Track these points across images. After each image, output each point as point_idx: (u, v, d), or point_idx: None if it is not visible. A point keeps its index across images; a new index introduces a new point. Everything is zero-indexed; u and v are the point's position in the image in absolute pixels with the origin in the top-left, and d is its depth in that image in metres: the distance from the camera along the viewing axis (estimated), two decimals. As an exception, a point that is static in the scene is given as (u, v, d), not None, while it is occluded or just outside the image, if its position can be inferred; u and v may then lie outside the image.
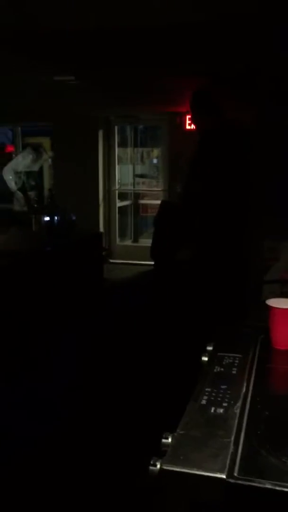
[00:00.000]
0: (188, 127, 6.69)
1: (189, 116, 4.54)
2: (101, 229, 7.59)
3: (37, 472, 2.52)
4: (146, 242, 7.62)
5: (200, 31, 3.66)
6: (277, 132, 2.98)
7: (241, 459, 0.90)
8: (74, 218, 3.94)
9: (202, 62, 4.54)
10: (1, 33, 3.73)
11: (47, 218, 3.74)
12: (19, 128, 7.99)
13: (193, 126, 3.39)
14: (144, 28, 3.59)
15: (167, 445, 0.97)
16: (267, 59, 3.65)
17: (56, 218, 3.75)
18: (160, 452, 0.96)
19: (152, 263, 6.12)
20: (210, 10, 3.19)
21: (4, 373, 3.31)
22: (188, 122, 6.64)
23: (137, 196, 8.59)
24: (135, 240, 8.51)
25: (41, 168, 7.61)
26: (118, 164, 8.03)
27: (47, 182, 8.05)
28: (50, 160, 7.90)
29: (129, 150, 8.58)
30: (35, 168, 4.66)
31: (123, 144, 8.44)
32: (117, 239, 8.04)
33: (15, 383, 3.30)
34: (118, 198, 8.10)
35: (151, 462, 0.91)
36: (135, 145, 8.60)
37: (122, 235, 8.34)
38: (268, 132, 3.09)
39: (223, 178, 2.84)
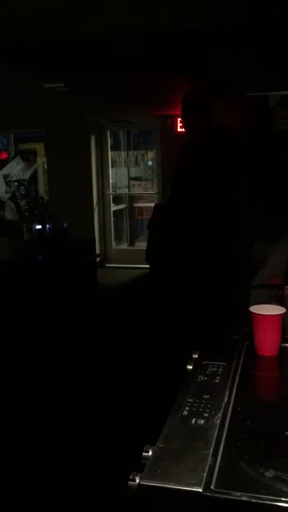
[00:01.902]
0: (179, 129, 6.70)
1: (180, 119, 4.55)
2: (97, 233, 7.59)
3: (22, 487, 2.52)
4: (142, 245, 7.62)
5: (191, 36, 3.67)
6: (265, 136, 2.99)
7: (219, 471, 0.90)
8: (65, 225, 3.94)
9: (194, 66, 4.56)
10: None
11: (38, 227, 3.74)
12: (11, 135, 8.00)
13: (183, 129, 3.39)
14: (134, 33, 3.61)
15: (148, 458, 0.98)
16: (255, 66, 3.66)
17: (47, 226, 3.75)
18: (141, 466, 0.97)
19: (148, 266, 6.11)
20: (201, 16, 3.21)
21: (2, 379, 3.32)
22: (179, 125, 6.66)
23: (132, 199, 8.60)
24: (131, 243, 8.51)
25: (35, 175, 7.61)
26: (112, 167, 8.03)
27: (41, 188, 8.07)
28: (45, 165, 7.90)
29: (123, 153, 8.59)
30: (26, 176, 4.66)
31: (116, 147, 8.45)
32: (113, 243, 8.04)
33: (9, 389, 3.29)
34: (113, 202, 8.10)
35: (130, 477, 0.91)
36: (129, 148, 8.61)
37: (118, 239, 8.34)
38: (257, 135, 3.11)
39: (210, 180, 2.84)
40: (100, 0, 3.00)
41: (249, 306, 1.50)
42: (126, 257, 7.73)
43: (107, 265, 7.70)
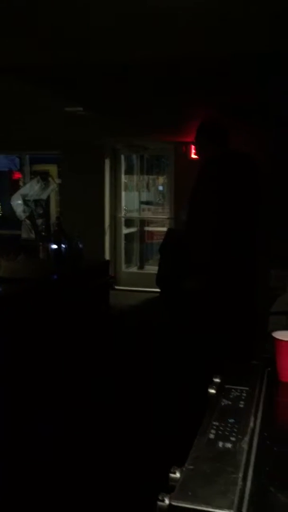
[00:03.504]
0: (193, 156, 6.79)
1: (194, 146, 4.59)
2: (107, 255, 7.63)
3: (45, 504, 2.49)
4: (151, 269, 7.65)
5: (209, 64, 3.76)
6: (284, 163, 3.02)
7: (250, 496, 0.90)
8: (81, 246, 3.98)
9: (211, 94, 4.64)
10: (15, 65, 3.85)
11: (54, 246, 3.78)
12: (27, 156, 8.12)
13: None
14: (151, 60, 3.70)
15: (175, 480, 0.97)
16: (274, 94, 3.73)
17: (63, 246, 3.79)
18: (168, 487, 0.96)
19: (158, 290, 6.11)
20: (219, 44, 3.29)
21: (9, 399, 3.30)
22: (193, 151, 6.75)
23: (143, 223, 8.66)
24: (141, 267, 8.53)
25: (48, 195, 7.71)
26: (124, 191, 8.12)
27: (53, 209, 8.15)
28: (57, 187, 8.01)
29: (135, 177, 8.69)
30: (43, 196, 4.74)
31: (129, 171, 8.55)
32: (123, 266, 8.06)
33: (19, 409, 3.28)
34: (124, 225, 8.16)
35: (159, 498, 0.91)
36: (141, 173, 8.71)
37: (128, 262, 8.37)
38: (275, 162, 3.14)
39: (225, 206, 2.85)
40: (125, 29, 3.08)
41: (267, 332, 1.50)
42: (135, 280, 7.74)
43: (116, 287, 7.71)
